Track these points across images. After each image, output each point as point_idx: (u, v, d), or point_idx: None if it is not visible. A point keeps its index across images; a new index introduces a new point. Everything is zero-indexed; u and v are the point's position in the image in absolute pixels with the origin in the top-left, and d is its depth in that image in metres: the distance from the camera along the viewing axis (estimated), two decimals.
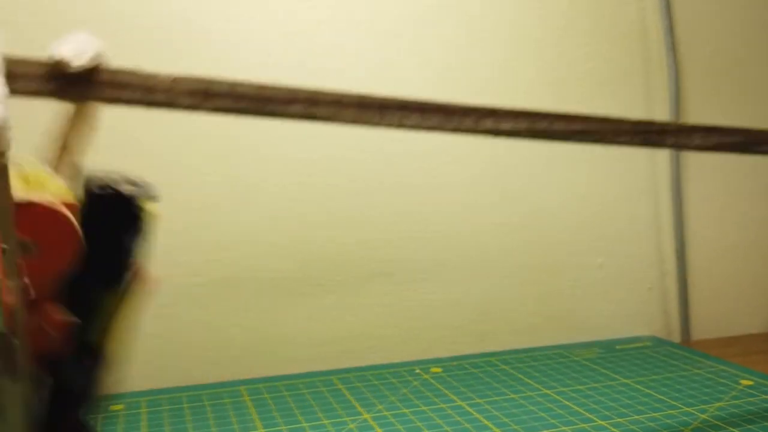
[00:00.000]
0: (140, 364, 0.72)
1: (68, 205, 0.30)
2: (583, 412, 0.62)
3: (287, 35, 0.78)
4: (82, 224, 0.31)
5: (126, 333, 0.35)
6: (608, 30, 0.90)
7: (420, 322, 0.83)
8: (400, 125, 0.43)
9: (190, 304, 0.76)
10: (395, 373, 0.75)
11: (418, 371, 0.75)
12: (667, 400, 0.65)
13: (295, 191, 0.79)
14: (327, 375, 0.75)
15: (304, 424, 0.60)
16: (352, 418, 0.61)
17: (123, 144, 0.72)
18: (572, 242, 0.89)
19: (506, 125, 0.46)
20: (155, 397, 0.69)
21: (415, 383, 0.70)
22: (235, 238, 0.77)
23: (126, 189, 0.34)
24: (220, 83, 0.38)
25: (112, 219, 0.33)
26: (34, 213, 0.29)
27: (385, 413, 0.62)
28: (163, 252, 0.73)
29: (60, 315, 0.31)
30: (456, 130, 0.45)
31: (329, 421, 0.61)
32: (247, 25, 0.77)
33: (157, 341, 0.75)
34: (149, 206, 0.35)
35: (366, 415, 0.61)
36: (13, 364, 0.28)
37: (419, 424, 0.60)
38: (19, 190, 0.29)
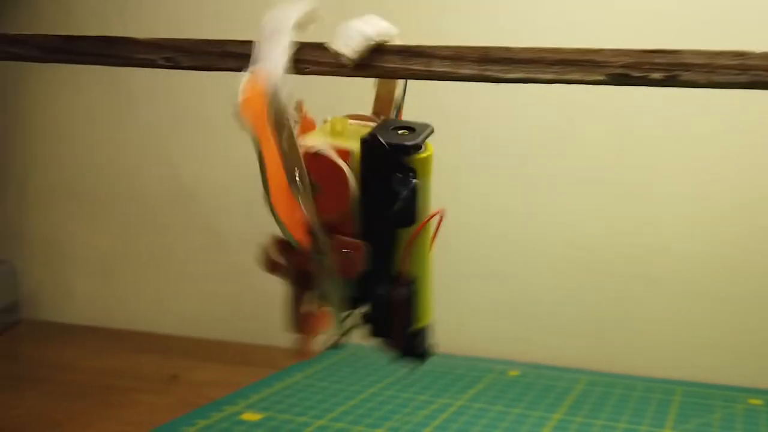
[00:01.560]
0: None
1: (342, 153, 0.36)
2: None
3: None
4: (362, 170, 0.37)
5: (425, 262, 0.41)
6: None
7: None
8: None
9: None
10: None
11: None
12: None
13: None
14: None
15: None
16: None
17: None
18: None
19: None
20: None
21: None
22: None
23: (389, 137, 0.37)
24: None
25: (380, 166, 0.37)
26: (319, 162, 0.36)
27: None
28: None
29: (351, 240, 0.37)
30: None
31: None
32: None
33: None
34: (420, 153, 0.38)
35: None
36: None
37: None
38: (318, 142, 0.36)
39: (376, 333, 0.42)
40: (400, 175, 0.37)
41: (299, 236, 0.35)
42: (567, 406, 0.59)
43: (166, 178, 0.86)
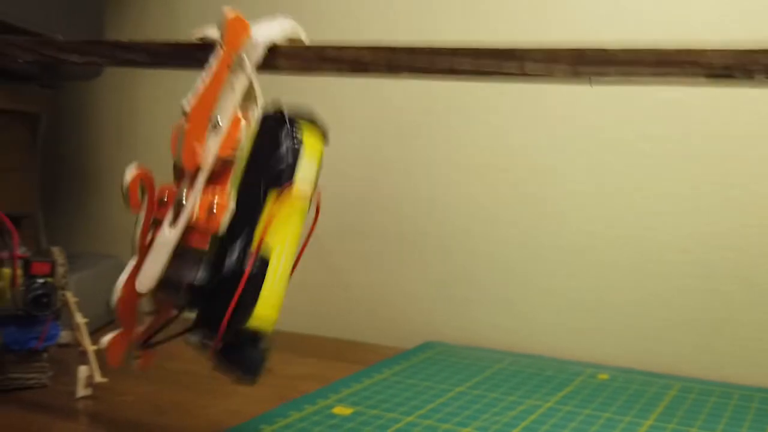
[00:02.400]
0: None
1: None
2: None
3: None
4: (256, 136, 0.39)
5: (283, 240, 0.40)
6: None
7: None
8: None
9: None
10: None
11: None
12: None
13: None
14: None
15: None
16: None
17: None
18: None
19: None
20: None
21: None
22: None
23: (288, 113, 0.40)
24: None
25: (273, 133, 0.39)
26: None
27: None
28: None
29: (223, 197, 0.38)
30: None
31: None
32: None
33: None
34: (311, 132, 0.41)
35: None
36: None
37: None
38: None
39: (201, 321, 0.39)
40: (291, 137, 0.39)
41: (190, 162, 0.38)
42: (659, 412, 0.57)
43: None
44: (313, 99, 0.85)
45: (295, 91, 0.85)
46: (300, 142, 0.40)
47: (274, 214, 0.38)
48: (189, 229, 0.38)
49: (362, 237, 0.83)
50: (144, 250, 0.40)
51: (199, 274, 0.38)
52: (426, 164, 0.80)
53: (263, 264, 0.38)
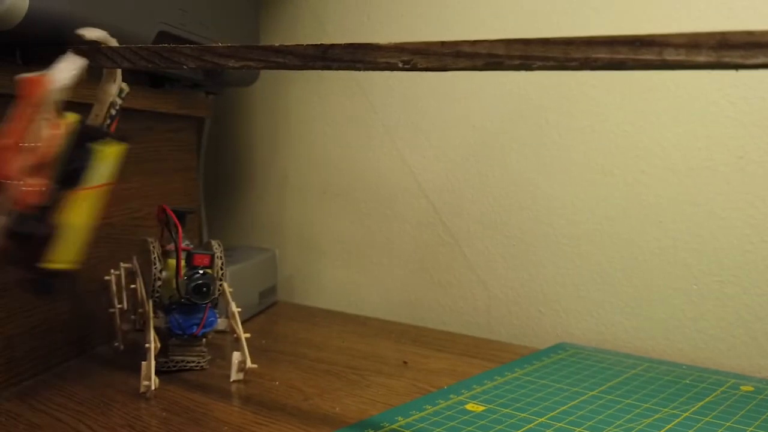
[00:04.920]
0: None
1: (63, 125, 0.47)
2: None
3: None
4: (68, 144, 0.48)
5: (77, 217, 0.49)
6: None
7: None
8: None
9: None
10: None
11: None
12: None
13: None
14: None
15: None
16: None
17: None
18: None
19: None
20: None
21: None
22: None
23: (87, 129, 0.49)
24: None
25: (75, 146, 0.48)
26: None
27: None
28: None
29: (40, 181, 0.46)
30: None
31: None
32: None
33: None
34: (110, 145, 0.50)
35: None
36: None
37: None
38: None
39: (10, 261, 0.50)
40: (79, 150, 0.48)
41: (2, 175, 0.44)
42: None
43: (403, 177, 0.87)
44: (450, 100, 0.83)
45: (432, 92, 0.84)
46: (91, 153, 0.49)
47: (70, 201, 0.49)
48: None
49: (501, 236, 0.80)
50: None
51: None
52: (563, 165, 0.76)
53: (58, 229, 0.49)
